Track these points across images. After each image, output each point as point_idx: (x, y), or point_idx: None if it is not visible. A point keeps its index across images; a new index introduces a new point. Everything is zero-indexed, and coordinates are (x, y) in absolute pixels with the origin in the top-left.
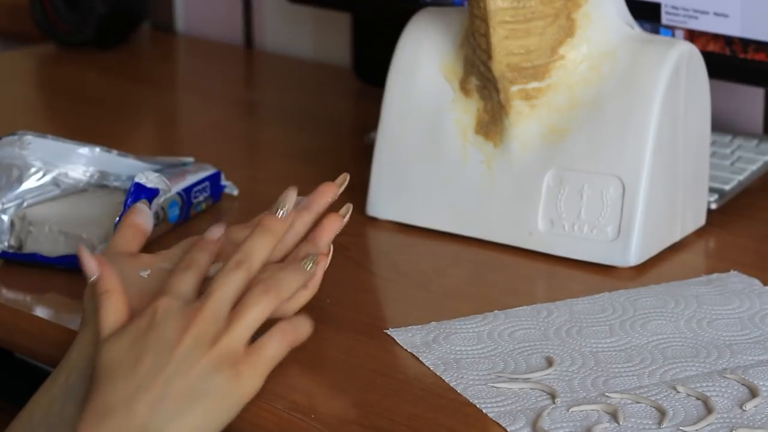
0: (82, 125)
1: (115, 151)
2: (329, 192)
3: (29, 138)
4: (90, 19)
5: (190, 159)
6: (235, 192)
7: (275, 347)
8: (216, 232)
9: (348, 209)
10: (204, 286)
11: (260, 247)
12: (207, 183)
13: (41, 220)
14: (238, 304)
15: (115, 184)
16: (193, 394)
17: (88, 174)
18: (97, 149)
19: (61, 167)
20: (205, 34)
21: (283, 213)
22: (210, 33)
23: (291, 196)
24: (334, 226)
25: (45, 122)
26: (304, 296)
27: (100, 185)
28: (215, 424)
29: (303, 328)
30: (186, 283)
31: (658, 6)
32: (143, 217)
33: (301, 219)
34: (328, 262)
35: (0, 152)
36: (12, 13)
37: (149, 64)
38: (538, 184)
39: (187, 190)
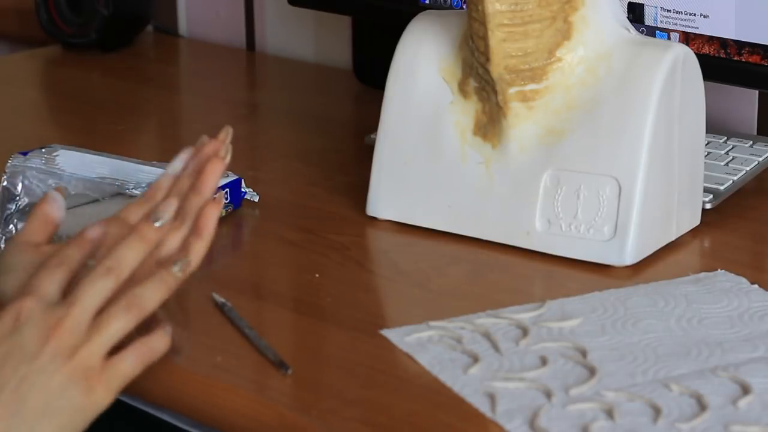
0: (86, 126)
1: (136, 160)
2: (216, 170)
3: (58, 150)
4: (94, 22)
5: None
6: (256, 198)
7: (130, 365)
8: (95, 231)
9: (228, 149)
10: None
11: (131, 256)
12: (227, 190)
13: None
14: (100, 315)
15: (135, 192)
16: (48, 409)
17: (105, 183)
18: (119, 159)
19: (81, 179)
20: (208, 37)
21: (160, 223)
22: (212, 36)
23: (171, 207)
24: (216, 169)
25: (49, 123)
26: (201, 248)
27: (118, 194)
28: None
29: (159, 346)
30: (53, 282)
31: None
32: (53, 207)
33: (178, 229)
34: (220, 208)
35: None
36: (18, 16)
37: (152, 66)
38: (535, 184)
39: None
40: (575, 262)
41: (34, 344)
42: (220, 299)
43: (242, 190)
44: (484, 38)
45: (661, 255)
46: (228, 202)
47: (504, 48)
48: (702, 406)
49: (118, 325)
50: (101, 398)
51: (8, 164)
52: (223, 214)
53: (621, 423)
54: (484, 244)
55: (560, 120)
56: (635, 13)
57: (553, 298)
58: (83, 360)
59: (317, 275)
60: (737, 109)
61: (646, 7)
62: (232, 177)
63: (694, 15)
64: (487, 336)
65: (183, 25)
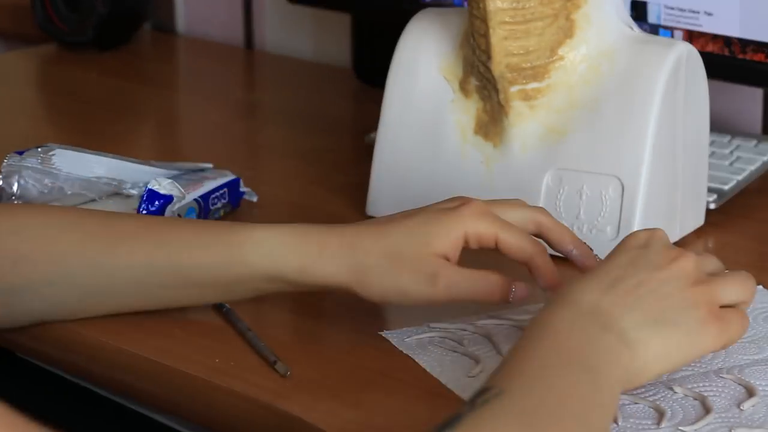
0: (82, 126)
1: (133, 159)
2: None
3: (54, 150)
4: (91, 20)
5: (209, 165)
6: (255, 198)
7: (742, 325)
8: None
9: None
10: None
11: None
12: (225, 189)
13: None
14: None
15: (132, 191)
16: (662, 318)
17: (101, 182)
18: (116, 158)
19: (78, 178)
20: (206, 35)
21: None
22: (210, 34)
23: None
24: None
25: (46, 122)
26: None
27: (115, 194)
28: (678, 358)
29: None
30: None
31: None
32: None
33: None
34: None
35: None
36: (14, 14)
37: (150, 64)
38: (537, 184)
39: (205, 197)
40: None
41: (661, 260)
42: None
43: (240, 189)
44: (486, 36)
45: None
46: (226, 202)
47: (505, 46)
48: (706, 409)
49: (737, 290)
50: (723, 338)
51: (4, 163)
52: (222, 214)
53: (624, 426)
54: None
55: (562, 119)
56: (638, 11)
57: None
58: (707, 292)
59: None
60: (742, 108)
61: (649, 5)
62: (231, 176)
63: (698, 13)
64: (488, 338)
65: (181, 23)
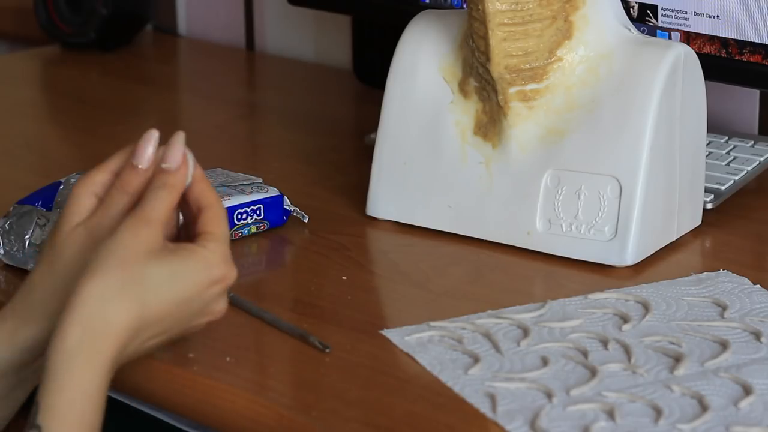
0: (84, 126)
1: None
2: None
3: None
4: (93, 22)
5: (258, 179)
6: (306, 219)
7: None
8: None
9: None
10: None
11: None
12: (260, 206)
13: None
14: None
15: None
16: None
17: None
18: None
19: None
20: (207, 37)
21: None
22: (212, 35)
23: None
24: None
25: (48, 123)
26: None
27: None
28: None
29: None
30: None
31: (655, 7)
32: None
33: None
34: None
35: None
36: (17, 16)
37: (152, 65)
38: (536, 184)
39: (230, 210)
40: (576, 262)
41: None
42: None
43: (287, 207)
44: (485, 38)
45: (662, 255)
46: (260, 218)
47: (504, 47)
48: (703, 407)
49: None
50: None
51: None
52: (253, 230)
53: (622, 424)
54: (485, 244)
55: (561, 120)
56: (637, 13)
57: (554, 298)
58: None
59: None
60: (738, 108)
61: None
62: (270, 193)
63: (696, 15)
64: (487, 336)
65: (182, 25)
